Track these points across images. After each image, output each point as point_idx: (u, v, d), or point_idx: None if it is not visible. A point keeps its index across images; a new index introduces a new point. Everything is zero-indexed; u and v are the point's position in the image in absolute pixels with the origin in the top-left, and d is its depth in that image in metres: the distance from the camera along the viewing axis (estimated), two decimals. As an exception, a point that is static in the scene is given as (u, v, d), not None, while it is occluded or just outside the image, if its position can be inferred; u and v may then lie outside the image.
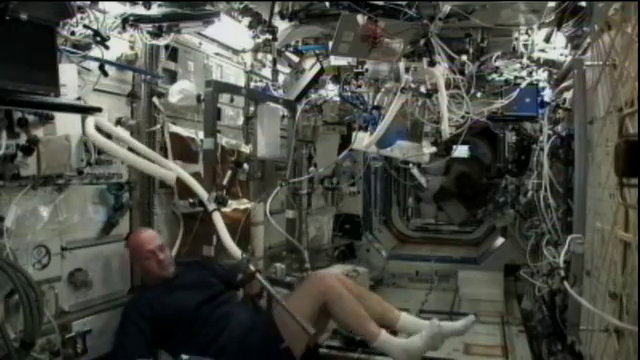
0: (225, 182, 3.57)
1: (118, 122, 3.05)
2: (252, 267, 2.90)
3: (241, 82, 4.32)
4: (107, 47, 2.77)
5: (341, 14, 3.00)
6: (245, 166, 3.96)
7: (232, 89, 3.75)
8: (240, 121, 4.33)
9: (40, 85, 2.25)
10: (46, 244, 2.60)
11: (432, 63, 3.56)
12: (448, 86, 3.79)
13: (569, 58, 3.75)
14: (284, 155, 4.49)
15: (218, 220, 3.09)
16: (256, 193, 4.26)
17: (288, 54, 4.46)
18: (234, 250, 2.97)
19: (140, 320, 2.93)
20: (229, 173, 3.74)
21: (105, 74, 2.86)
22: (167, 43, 3.24)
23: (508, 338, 4.97)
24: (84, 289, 2.84)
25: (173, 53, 3.48)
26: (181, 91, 3.35)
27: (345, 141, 5.62)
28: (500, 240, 7.09)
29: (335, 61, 4.32)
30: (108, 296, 3.04)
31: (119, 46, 3.05)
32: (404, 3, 3.02)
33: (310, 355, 3.16)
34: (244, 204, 4.03)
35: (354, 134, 4.59)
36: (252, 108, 4.31)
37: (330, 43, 3.46)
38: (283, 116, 4.62)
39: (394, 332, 3.30)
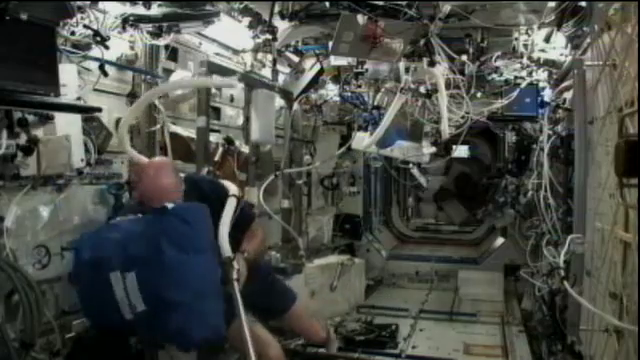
0: (217, 158, 3.62)
1: (118, 122, 3.06)
2: (234, 273, 2.62)
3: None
4: (107, 47, 2.77)
5: (341, 14, 3.00)
6: (237, 143, 3.98)
7: (226, 71, 3.75)
8: (240, 121, 4.32)
9: (40, 85, 2.25)
10: (46, 244, 2.60)
11: (432, 63, 3.56)
12: (448, 86, 3.79)
13: (569, 58, 3.75)
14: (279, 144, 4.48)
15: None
16: (252, 178, 4.23)
17: (288, 54, 4.45)
18: (225, 244, 2.68)
19: None
20: (220, 150, 3.76)
21: (105, 74, 2.86)
22: (167, 43, 3.24)
23: (508, 338, 4.97)
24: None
25: (173, 53, 3.48)
26: None
27: (345, 141, 5.63)
28: (500, 240, 7.10)
29: (335, 61, 4.31)
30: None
31: (119, 46, 3.05)
32: (404, 3, 3.01)
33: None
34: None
35: (354, 134, 4.59)
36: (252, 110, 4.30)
37: (330, 43, 3.46)
38: (281, 108, 4.60)
39: None
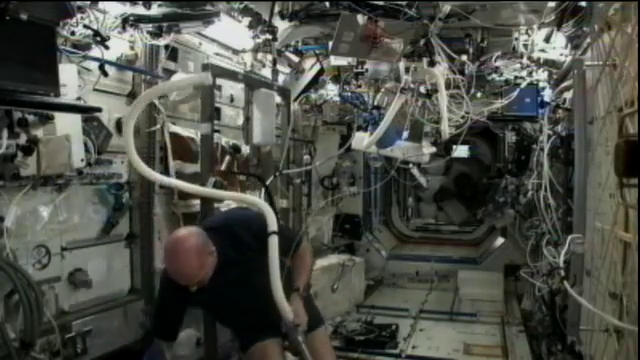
0: (223, 167, 3.57)
1: (118, 122, 3.06)
2: (300, 337, 2.48)
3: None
4: (107, 47, 2.77)
5: (341, 14, 3.00)
6: (244, 149, 3.96)
7: (229, 74, 3.75)
8: (240, 121, 4.33)
9: (40, 85, 2.25)
10: (46, 244, 2.60)
11: (432, 63, 3.56)
12: (448, 86, 3.79)
13: (569, 58, 3.75)
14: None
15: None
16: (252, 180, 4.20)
17: (288, 54, 4.45)
18: (284, 307, 2.42)
19: (176, 297, 2.67)
20: (227, 158, 3.74)
21: (105, 74, 2.86)
22: (167, 43, 3.24)
23: (508, 338, 4.98)
24: (84, 289, 2.85)
25: (173, 53, 3.48)
26: None
27: (345, 141, 5.64)
28: (500, 240, 7.10)
29: (335, 61, 4.31)
30: (108, 296, 3.04)
31: (119, 46, 3.05)
32: (404, 3, 3.01)
33: None
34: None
35: (354, 134, 4.58)
36: (254, 111, 4.30)
37: (330, 43, 3.46)
38: (278, 105, 4.60)
39: None
